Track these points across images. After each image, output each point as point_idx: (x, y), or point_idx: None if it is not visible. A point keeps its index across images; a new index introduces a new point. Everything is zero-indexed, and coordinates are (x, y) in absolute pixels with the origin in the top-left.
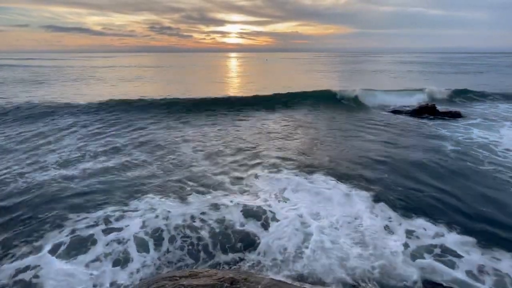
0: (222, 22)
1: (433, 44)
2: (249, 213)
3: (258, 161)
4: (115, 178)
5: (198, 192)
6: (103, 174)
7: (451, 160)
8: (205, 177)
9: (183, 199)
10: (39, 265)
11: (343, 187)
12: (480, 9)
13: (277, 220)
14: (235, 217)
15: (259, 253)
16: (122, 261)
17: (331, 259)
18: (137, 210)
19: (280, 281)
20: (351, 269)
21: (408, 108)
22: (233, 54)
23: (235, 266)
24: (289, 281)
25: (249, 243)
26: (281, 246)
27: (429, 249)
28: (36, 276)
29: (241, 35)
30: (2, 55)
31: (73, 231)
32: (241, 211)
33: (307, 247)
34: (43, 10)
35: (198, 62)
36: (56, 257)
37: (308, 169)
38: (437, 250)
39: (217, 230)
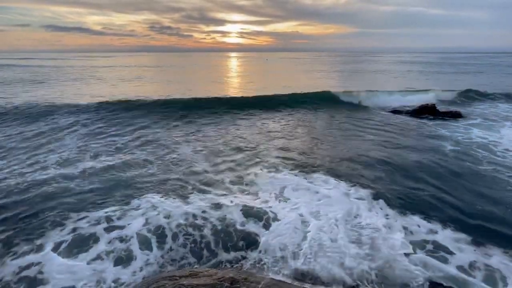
0: (222, 22)
1: (434, 43)
2: (249, 212)
3: (258, 160)
4: (116, 178)
5: (199, 191)
6: (104, 173)
7: (449, 160)
8: (206, 176)
9: (184, 198)
10: (42, 262)
11: (342, 186)
12: (480, 9)
13: (277, 219)
14: (236, 216)
15: (260, 252)
16: (125, 259)
17: (331, 258)
18: (138, 209)
19: (280, 280)
20: (349, 268)
21: (408, 108)
22: (233, 54)
23: (237, 265)
24: (289, 280)
25: (250, 242)
26: (281, 245)
27: (422, 244)
28: (40, 272)
29: (241, 34)
30: (3, 55)
31: (74, 229)
32: (241, 210)
33: (307, 246)
34: (43, 10)
35: (198, 62)
36: (59, 255)
37: (308, 168)
38: (430, 246)
39: (219, 229)
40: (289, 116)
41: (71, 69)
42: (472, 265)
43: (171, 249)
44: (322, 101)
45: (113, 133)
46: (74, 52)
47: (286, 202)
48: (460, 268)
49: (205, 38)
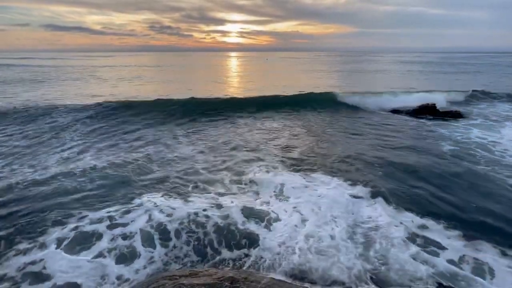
0: (222, 22)
1: (434, 43)
2: (250, 211)
3: (258, 160)
4: (117, 177)
5: (200, 190)
6: (105, 172)
7: (448, 159)
8: (206, 175)
9: (185, 197)
10: (44, 259)
11: (342, 185)
12: (480, 9)
13: (278, 219)
14: (236, 215)
15: (260, 251)
16: (128, 256)
17: (331, 257)
18: (140, 207)
19: (280, 280)
20: (349, 267)
21: (408, 108)
22: (233, 54)
23: (237, 263)
24: (289, 280)
25: (251, 241)
26: (281, 244)
27: (422, 243)
28: (43, 268)
29: (242, 34)
30: (3, 54)
31: (77, 227)
32: (241, 209)
33: (307, 246)
34: (43, 9)
35: (198, 61)
36: (62, 251)
37: (308, 168)
38: (430, 246)
39: (220, 228)
40: (289, 115)
41: (71, 68)
42: (461, 259)
43: (174, 246)
44: (322, 101)
45: (113, 132)
46: (74, 52)
47: (286, 201)
48: (450, 261)
49: (205, 38)
